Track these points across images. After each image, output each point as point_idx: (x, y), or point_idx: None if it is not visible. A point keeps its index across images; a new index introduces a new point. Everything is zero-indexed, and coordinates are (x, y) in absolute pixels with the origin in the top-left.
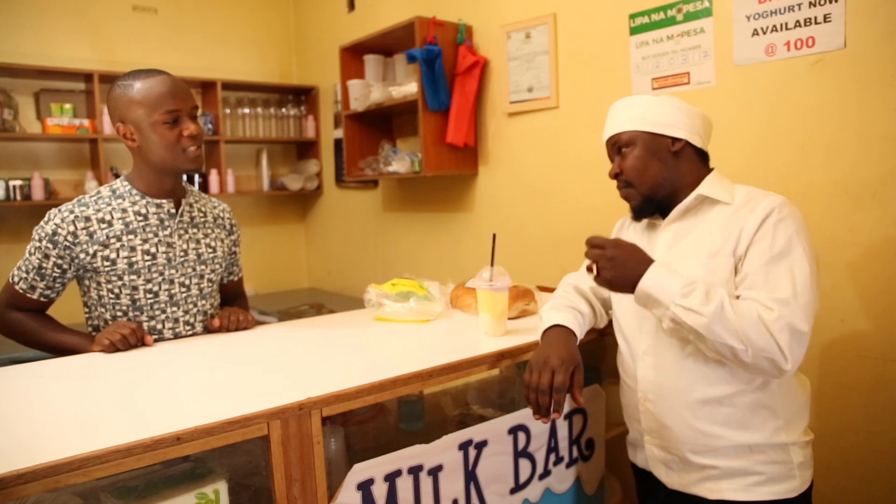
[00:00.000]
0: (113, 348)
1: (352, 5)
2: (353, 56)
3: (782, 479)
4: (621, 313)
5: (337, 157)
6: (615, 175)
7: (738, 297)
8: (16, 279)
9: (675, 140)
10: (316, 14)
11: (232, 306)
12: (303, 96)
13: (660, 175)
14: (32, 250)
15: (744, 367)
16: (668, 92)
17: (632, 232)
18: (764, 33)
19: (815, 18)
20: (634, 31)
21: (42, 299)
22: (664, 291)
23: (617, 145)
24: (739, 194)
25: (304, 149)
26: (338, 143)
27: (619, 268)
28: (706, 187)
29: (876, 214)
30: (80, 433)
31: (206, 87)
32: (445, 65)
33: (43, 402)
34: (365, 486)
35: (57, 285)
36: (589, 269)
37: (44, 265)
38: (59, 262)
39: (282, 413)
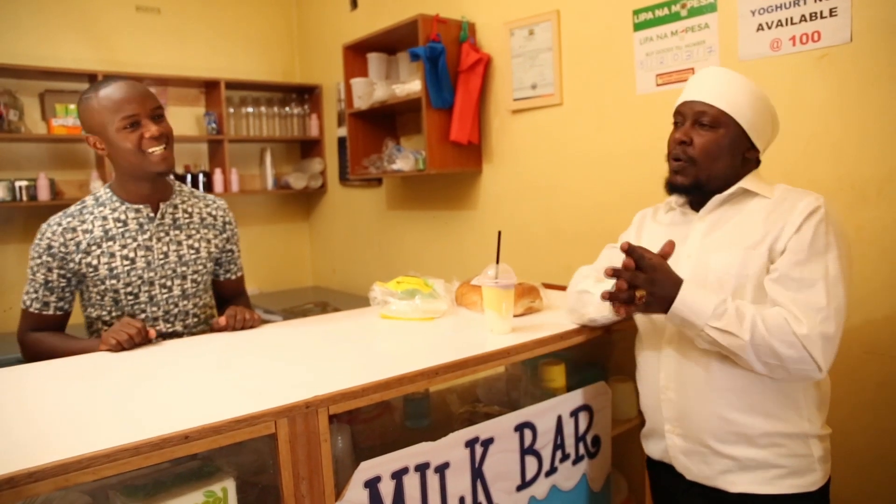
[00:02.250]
0: (119, 347)
1: (354, 3)
2: (357, 54)
3: (803, 472)
4: None
5: (341, 156)
6: (681, 142)
7: (767, 296)
8: (28, 303)
9: (753, 147)
10: (319, 12)
11: (235, 304)
12: (306, 95)
13: (724, 171)
14: (35, 268)
15: (781, 380)
16: (673, 88)
17: (657, 224)
18: (769, 28)
19: (821, 13)
20: (638, 27)
21: (58, 313)
22: (696, 314)
23: (700, 115)
24: (778, 190)
25: (308, 147)
26: (341, 141)
27: (658, 290)
28: (748, 181)
29: (882, 210)
30: (89, 432)
31: (210, 86)
32: (449, 62)
33: (51, 401)
34: (372, 484)
35: (67, 295)
36: (617, 295)
37: (49, 278)
38: (61, 272)
39: (289, 411)
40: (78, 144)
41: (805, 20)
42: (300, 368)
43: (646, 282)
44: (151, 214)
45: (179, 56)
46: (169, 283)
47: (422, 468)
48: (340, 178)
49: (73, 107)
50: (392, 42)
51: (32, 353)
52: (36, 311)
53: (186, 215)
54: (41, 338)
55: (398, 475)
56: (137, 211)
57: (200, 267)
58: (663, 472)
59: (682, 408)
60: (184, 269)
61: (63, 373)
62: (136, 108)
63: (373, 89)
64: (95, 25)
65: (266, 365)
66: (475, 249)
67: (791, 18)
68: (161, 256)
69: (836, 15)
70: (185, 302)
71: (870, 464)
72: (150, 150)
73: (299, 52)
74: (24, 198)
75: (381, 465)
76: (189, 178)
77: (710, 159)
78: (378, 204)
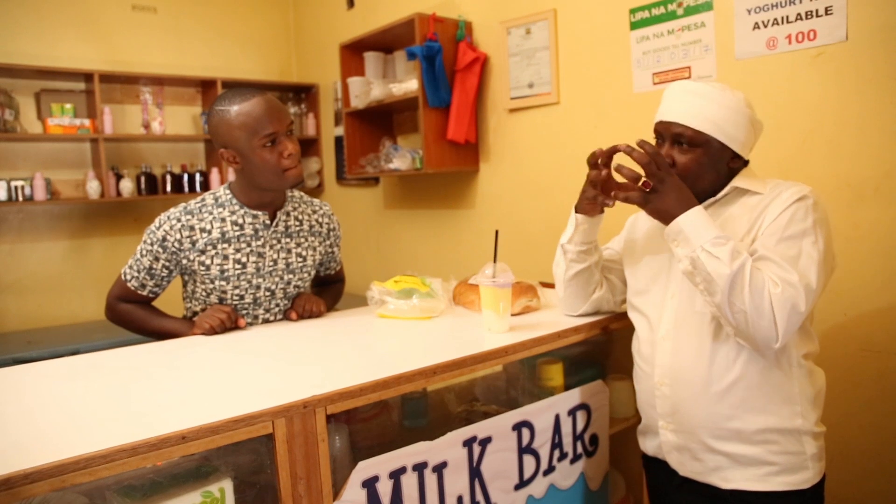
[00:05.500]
0: (212, 331)
1: (351, 3)
2: (353, 53)
3: (796, 469)
4: (642, 299)
5: (338, 155)
6: None
7: None
8: (128, 276)
9: (736, 156)
10: (315, 11)
11: (325, 289)
12: (303, 94)
13: (710, 184)
14: (144, 252)
15: (737, 333)
16: None
17: (650, 222)
18: (765, 27)
19: (817, 11)
20: (635, 25)
21: (150, 295)
22: (697, 233)
23: (678, 136)
24: (770, 184)
25: (305, 147)
26: (338, 140)
27: (667, 194)
28: (740, 180)
29: (879, 208)
30: (86, 432)
31: (207, 85)
32: (446, 61)
33: (48, 402)
34: (370, 484)
35: (164, 283)
36: (637, 183)
37: (153, 266)
38: (167, 264)
39: (286, 411)
40: (74, 144)
41: (801, 19)
42: (297, 368)
43: (656, 176)
44: (267, 221)
45: (176, 55)
46: (273, 288)
47: (420, 467)
48: (337, 178)
49: (68, 106)
50: (389, 41)
51: (120, 320)
52: (132, 288)
53: (297, 223)
54: (132, 309)
55: (396, 475)
56: (255, 217)
57: (305, 274)
58: (658, 469)
59: (676, 404)
60: (290, 276)
61: (61, 373)
62: (276, 125)
63: (370, 88)
64: (91, 24)
65: (263, 364)
66: (473, 248)
67: (787, 17)
68: (271, 263)
69: (831, 14)
70: (286, 301)
71: (867, 460)
72: (287, 168)
73: (296, 52)
74: (21, 198)
75: (379, 465)
76: (186, 177)
77: (693, 177)
78: (375, 203)
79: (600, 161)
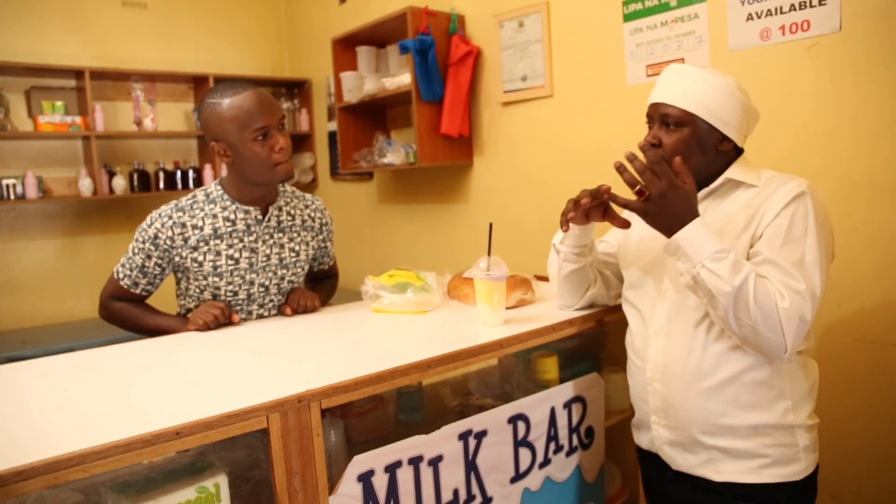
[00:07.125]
0: (206, 327)
1: None
2: (346, 48)
3: (788, 461)
4: (636, 293)
5: (331, 150)
6: (651, 145)
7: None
8: (120, 275)
9: (725, 139)
10: (307, 6)
11: (319, 284)
12: (296, 89)
13: (698, 167)
14: (136, 250)
15: (744, 343)
16: None
17: None
18: (758, 18)
19: (810, 2)
20: (628, 17)
21: (143, 293)
22: (696, 249)
23: (665, 116)
24: (765, 176)
25: (298, 142)
26: (332, 135)
27: (667, 207)
28: (734, 171)
29: (873, 198)
30: (79, 429)
31: (198, 81)
32: (438, 55)
33: (41, 399)
34: (365, 478)
35: (157, 281)
36: (636, 190)
37: (146, 264)
38: (160, 261)
39: (281, 406)
40: (65, 141)
41: (794, 9)
42: (292, 363)
43: (666, 176)
44: (259, 217)
45: (167, 51)
46: (267, 283)
47: (415, 461)
48: (331, 173)
49: (59, 103)
50: (381, 35)
51: (114, 319)
52: (126, 287)
53: (289, 217)
54: (126, 308)
55: (392, 468)
56: (246, 212)
57: (299, 269)
58: (651, 462)
59: (668, 399)
60: (283, 271)
61: (55, 370)
62: (267, 119)
63: (362, 83)
64: (82, 20)
65: (257, 360)
66: (467, 242)
67: (780, 8)
68: (264, 259)
69: (824, 4)
70: (280, 297)
71: (862, 450)
72: (278, 162)
73: (288, 47)
74: (12, 196)
75: (375, 459)
76: (179, 174)
77: (681, 158)
78: (369, 198)
79: (586, 197)
